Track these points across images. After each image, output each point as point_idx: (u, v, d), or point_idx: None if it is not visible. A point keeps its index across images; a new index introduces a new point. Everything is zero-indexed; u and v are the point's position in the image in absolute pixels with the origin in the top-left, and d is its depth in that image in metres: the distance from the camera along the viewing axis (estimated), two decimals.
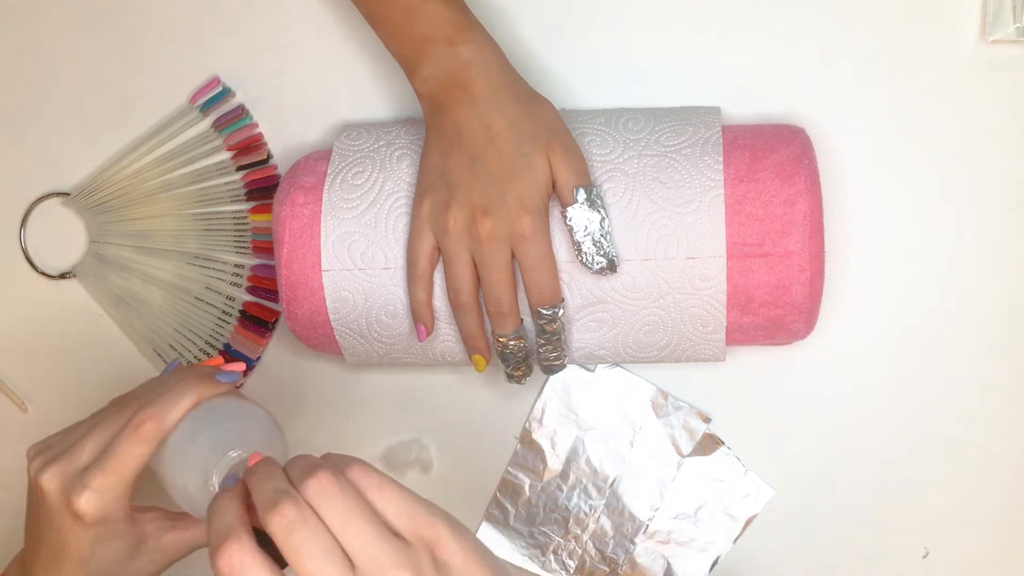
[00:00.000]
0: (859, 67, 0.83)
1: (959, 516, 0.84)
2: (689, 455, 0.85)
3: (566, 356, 0.79)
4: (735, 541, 0.85)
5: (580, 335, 0.78)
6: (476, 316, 0.76)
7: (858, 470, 0.85)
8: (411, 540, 0.55)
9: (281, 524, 0.54)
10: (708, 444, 0.85)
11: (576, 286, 0.76)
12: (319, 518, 0.54)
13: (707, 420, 0.85)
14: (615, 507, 0.86)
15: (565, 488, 0.86)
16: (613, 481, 0.85)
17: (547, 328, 0.76)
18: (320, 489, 0.54)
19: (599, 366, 0.85)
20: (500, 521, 0.87)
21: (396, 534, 0.55)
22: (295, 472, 0.56)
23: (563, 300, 0.76)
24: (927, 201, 0.83)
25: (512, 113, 0.74)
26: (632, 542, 0.85)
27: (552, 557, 0.86)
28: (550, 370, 0.79)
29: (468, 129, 0.74)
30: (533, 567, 0.87)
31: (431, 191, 0.75)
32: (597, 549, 0.86)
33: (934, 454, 0.84)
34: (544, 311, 0.75)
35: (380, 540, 0.54)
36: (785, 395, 0.85)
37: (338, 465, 0.56)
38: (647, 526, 0.85)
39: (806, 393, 0.85)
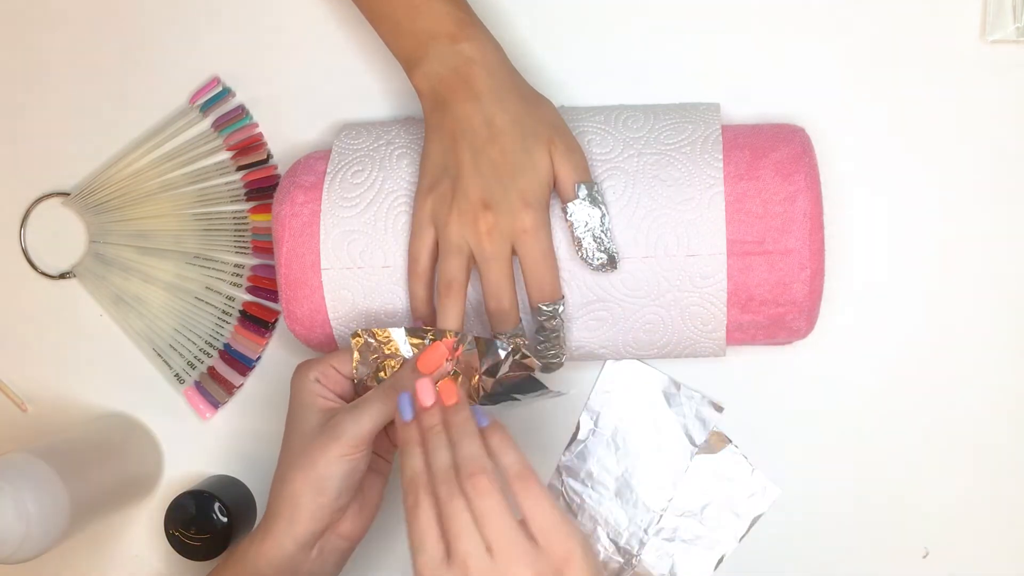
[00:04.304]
0: (859, 67, 0.83)
1: (959, 516, 0.84)
2: (700, 446, 0.84)
3: (564, 354, 0.78)
4: (740, 540, 0.85)
5: (580, 333, 0.78)
6: (460, 307, 0.75)
7: (858, 470, 0.85)
8: (544, 547, 0.64)
9: (440, 499, 0.65)
10: (715, 442, 0.85)
11: (576, 284, 0.76)
12: (470, 508, 0.64)
13: (720, 409, 0.84)
14: (628, 498, 0.85)
15: (576, 480, 0.86)
16: (625, 471, 0.85)
17: (546, 325, 0.76)
18: (475, 487, 0.65)
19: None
20: None
21: (532, 538, 0.64)
22: (462, 455, 0.66)
23: (563, 297, 0.76)
24: (927, 200, 0.83)
25: (514, 109, 0.74)
26: (646, 532, 0.85)
27: None
28: (548, 368, 0.78)
29: (470, 125, 0.74)
30: None
31: (433, 186, 0.75)
32: (611, 540, 0.86)
33: (935, 453, 0.84)
34: (544, 307, 0.75)
35: (516, 536, 0.64)
36: (786, 395, 0.85)
37: (502, 464, 0.66)
38: (661, 516, 0.85)
39: (806, 393, 0.85)
